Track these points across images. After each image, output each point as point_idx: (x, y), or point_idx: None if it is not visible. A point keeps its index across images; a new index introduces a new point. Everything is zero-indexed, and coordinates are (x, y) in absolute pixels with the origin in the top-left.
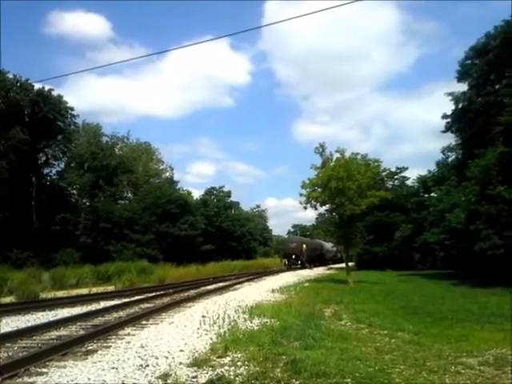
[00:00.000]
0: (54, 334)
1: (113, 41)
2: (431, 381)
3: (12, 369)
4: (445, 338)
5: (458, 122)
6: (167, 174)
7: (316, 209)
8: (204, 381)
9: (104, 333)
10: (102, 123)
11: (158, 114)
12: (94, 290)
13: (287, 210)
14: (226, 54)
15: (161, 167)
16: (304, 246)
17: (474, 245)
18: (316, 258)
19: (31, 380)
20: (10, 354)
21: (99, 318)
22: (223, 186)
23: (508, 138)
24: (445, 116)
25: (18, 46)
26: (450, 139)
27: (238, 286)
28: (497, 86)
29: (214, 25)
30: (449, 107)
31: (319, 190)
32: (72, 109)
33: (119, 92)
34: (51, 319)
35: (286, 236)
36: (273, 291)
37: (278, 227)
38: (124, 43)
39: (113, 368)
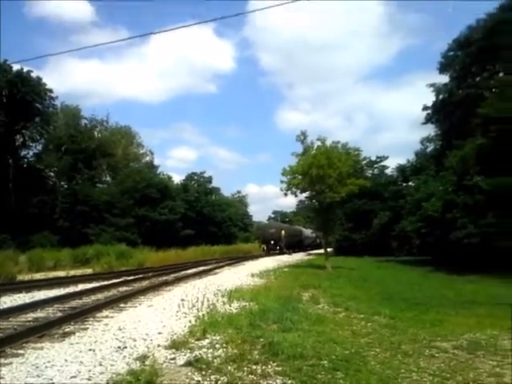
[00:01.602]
0: (31, 315)
1: (96, 24)
2: (406, 364)
3: None
4: (420, 322)
5: (438, 113)
6: (147, 159)
7: (296, 195)
8: (182, 362)
9: (81, 315)
10: (84, 106)
11: (140, 99)
12: (72, 272)
13: (268, 197)
14: (210, 40)
15: (141, 151)
16: (283, 231)
17: (450, 233)
18: (295, 244)
19: (7, 361)
20: None
21: (77, 301)
22: (204, 172)
23: (486, 130)
24: (425, 107)
25: None
26: (430, 130)
27: (217, 270)
28: (477, 79)
29: (199, 11)
30: (430, 98)
31: (300, 177)
32: (51, 91)
33: (101, 75)
34: (28, 301)
35: (267, 222)
36: (252, 276)
37: (259, 213)
38: (107, 27)
39: (90, 350)
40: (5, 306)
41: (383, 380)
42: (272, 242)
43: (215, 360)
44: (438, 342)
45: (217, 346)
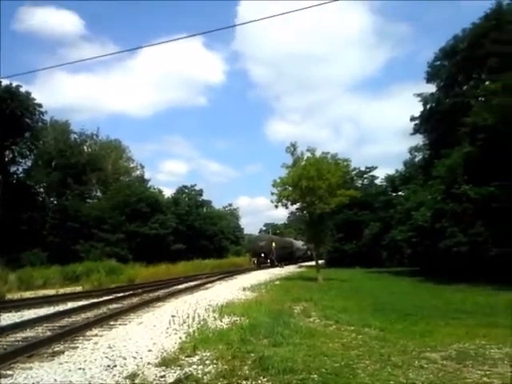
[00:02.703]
0: (20, 335)
1: (85, 38)
2: (395, 375)
3: None
4: (410, 333)
5: (426, 123)
6: (138, 173)
7: (287, 207)
8: (172, 380)
9: (71, 334)
10: (73, 121)
11: (130, 113)
12: (62, 290)
13: (260, 209)
14: (199, 53)
15: (131, 165)
16: (273, 244)
17: (440, 242)
18: (286, 256)
19: None
20: None
21: (66, 319)
22: (195, 185)
23: (474, 139)
24: (413, 118)
25: None
26: (419, 140)
27: (209, 284)
28: (464, 88)
29: (188, 24)
30: (418, 109)
31: (290, 188)
32: (40, 105)
33: (90, 89)
34: (17, 320)
35: (258, 235)
36: (244, 289)
37: (251, 226)
38: (96, 41)
39: (80, 369)
40: None
41: None
42: (262, 255)
43: (205, 376)
44: (428, 352)
45: (207, 362)
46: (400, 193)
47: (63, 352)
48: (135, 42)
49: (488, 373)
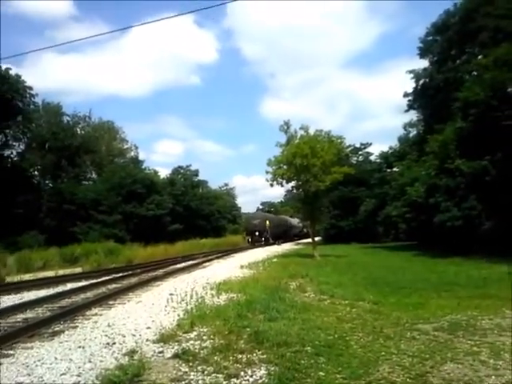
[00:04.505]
0: (20, 316)
1: (74, 18)
2: (387, 346)
3: None
4: (403, 306)
5: (420, 98)
6: (132, 154)
7: (282, 186)
8: (170, 355)
9: (71, 314)
10: (64, 103)
11: (122, 93)
12: (61, 272)
13: (256, 188)
14: (191, 31)
15: (125, 146)
16: (267, 222)
17: (434, 217)
18: (281, 234)
19: None
20: None
21: (66, 300)
22: (190, 165)
23: (466, 114)
24: (406, 94)
25: None
26: (413, 115)
27: (206, 263)
28: (457, 62)
29: (178, 2)
30: (411, 84)
31: (285, 167)
32: (31, 88)
33: (81, 71)
34: (17, 302)
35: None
36: (241, 267)
37: (248, 204)
38: (85, 20)
39: (79, 347)
40: None
41: (364, 363)
42: (257, 233)
43: (202, 351)
44: (420, 324)
45: (204, 337)
46: (394, 169)
47: (63, 331)
48: (126, 22)
49: (478, 342)
